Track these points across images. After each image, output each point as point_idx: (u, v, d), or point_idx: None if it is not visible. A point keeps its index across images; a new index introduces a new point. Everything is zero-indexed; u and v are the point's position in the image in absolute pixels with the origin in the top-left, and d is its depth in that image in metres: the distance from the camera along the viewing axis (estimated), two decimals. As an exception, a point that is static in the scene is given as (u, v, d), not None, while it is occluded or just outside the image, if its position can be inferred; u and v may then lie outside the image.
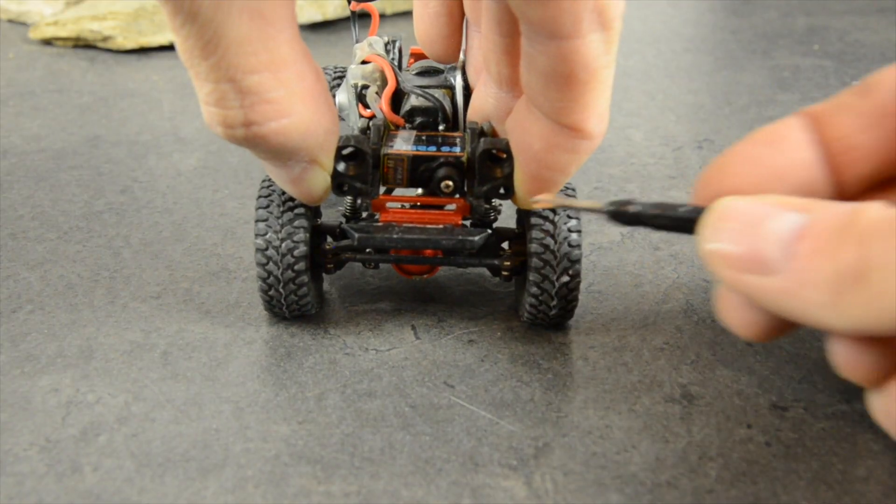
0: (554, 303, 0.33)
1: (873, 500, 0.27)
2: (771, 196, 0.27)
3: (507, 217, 0.36)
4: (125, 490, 0.27)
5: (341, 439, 0.29)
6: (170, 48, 0.64)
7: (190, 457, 0.28)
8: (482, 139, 0.31)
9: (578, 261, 0.32)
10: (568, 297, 0.33)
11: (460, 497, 0.27)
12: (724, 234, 0.27)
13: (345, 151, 0.31)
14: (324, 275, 0.37)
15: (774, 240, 0.26)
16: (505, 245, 0.35)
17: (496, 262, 0.34)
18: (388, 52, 0.38)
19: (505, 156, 0.31)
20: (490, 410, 0.30)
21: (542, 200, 0.32)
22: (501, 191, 0.32)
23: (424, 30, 0.36)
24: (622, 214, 0.30)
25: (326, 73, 0.44)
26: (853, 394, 0.31)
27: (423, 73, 0.38)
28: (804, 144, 0.29)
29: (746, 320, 0.28)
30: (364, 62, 0.37)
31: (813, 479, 0.28)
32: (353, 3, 0.38)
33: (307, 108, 0.28)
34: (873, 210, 0.24)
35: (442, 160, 0.32)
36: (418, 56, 0.42)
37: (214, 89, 0.27)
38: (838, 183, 0.29)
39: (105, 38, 0.63)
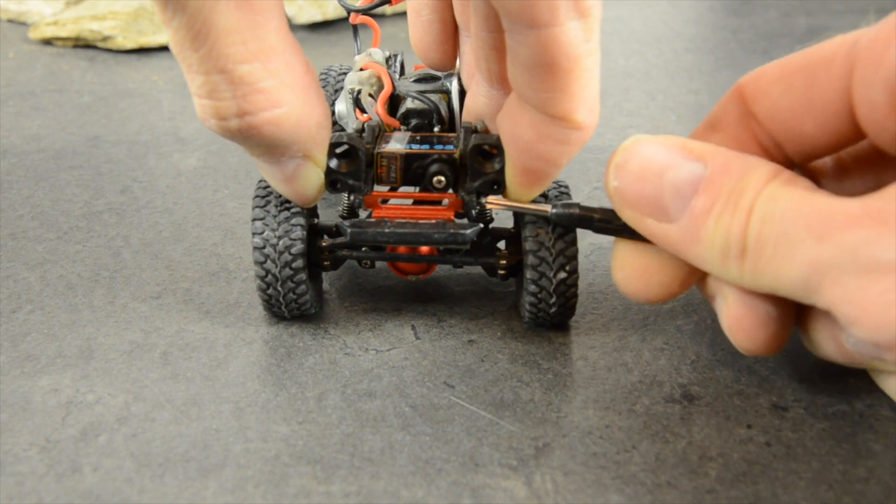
0: (553, 300, 0.33)
1: (873, 500, 0.27)
2: (674, 139, 0.28)
3: (505, 218, 0.36)
4: (125, 490, 0.27)
5: (341, 439, 0.29)
6: (169, 48, 0.63)
7: (190, 457, 0.28)
8: (473, 135, 0.32)
9: (575, 257, 0.32)
10: (567, 294, 0.33)
11: (460, 497, 0.27)
12: (628, 176, 0.28)
13: (338, 149, 0.31)
14: (323, 275, 0.37)
15: (672, 189, 0.27)
16: (501, 245, 0.35)
17: (492, 260, 0.34)
18: (388, 66, 0.39)
19: (496, 151, 0.31)
20: (490, 410, 0.30)
21: (493, 203, 0.32)
22: (494, 186, 0.32)
23: (419, 38, 0.36)
24: (566, 217, 0.31)
25: (331, 72, 0.44)
26: (853, 394, 0.31)
27: (420, 79, 0.38)
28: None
29: (643, 283, 0.30)
30: (362, 70, 0.37)
31: (813, 479, 0.28)
32: (352, 15, 0.38)
33: (298, 98, 0.28)
34: (762, 177, 0.26)
35: (435, 157, 0.32)
36: None
37: (206, 81, 0.27)
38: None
39: (105, 38, 0.63)
